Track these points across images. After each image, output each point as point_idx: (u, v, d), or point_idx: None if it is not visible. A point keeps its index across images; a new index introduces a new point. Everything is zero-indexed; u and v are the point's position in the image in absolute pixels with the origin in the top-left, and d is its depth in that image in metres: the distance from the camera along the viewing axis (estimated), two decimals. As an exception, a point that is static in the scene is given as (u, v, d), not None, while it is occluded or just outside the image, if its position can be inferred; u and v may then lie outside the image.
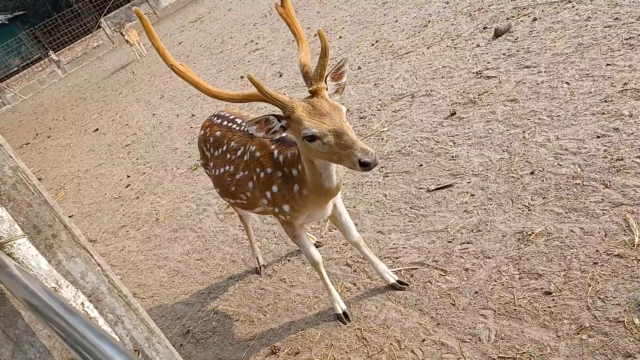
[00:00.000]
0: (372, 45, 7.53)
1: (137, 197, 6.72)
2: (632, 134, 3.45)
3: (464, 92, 5.05)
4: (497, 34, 5.68)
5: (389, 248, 3.58)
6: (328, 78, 2.39)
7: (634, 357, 2.26)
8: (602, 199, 3.11)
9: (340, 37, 8.54)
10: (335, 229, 4.04)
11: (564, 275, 2.79)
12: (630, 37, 4.45)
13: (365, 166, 2.08)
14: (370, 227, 3.87)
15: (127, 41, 18.94)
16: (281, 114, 2.35)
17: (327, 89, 2.37)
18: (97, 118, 12.54)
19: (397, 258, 3.47)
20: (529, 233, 3.15)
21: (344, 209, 3.13)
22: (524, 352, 2.51)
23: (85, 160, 9.52)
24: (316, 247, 3.89)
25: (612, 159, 3.35)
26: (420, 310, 3.02)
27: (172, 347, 1.62)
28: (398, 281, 3.23)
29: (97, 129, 11.42)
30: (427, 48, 6.45)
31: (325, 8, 10.60)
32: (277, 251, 4.17)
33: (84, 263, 1.51)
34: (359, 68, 6.87)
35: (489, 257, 3.14)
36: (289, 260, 4.00)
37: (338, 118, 2.23)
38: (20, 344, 1.33)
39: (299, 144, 2.41)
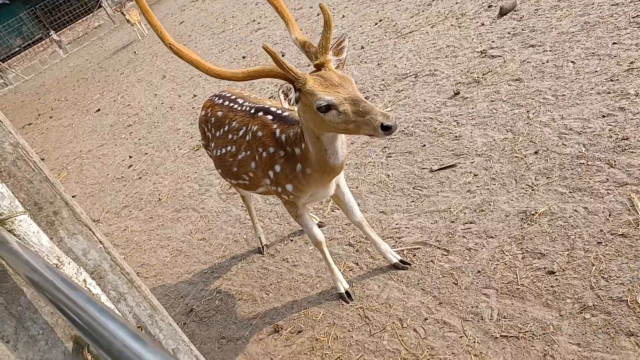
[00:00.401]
0: (376, 24, 7.45)
1: (140, 178, 6.72)
2: (638, 113, 3.41)
3: (468, 71, 5.00)
4: (502, 12, 5.60)
5: (392, 228, 3.58)
6: (330, 53, 2.36)
7: (637, 336, 2.26)
8: (607, 179, 3.09)
9: (343, 17, 8.45)
10: (337, 209, 4.03)
11: (568, 254, 2.78)
12: (637, 15, 4.38)
13: (387, 130, 2.07)
14: (373, 207, 3.86)
15: (128, 21, 18.79)
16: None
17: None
18: (99, 98, 12.50)
19: (399, 238, 3.47)
20: (532, 213, 3.13)
21: (347, 189, 3.12)
22: (527, 331, 2.52)
23: (87, 141, 9.50)
24: (319, 227, 3.89)
25: (617, 138, 3.32)
26: (422, 289, 3.03)
27: (175, 324, 1.63)
28: (400, 261, 3.23)
29: (99, 110, 11.38)
30: (431, 27, 6.38)
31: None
32: (280, 231, 4.17)
33: (86, 240, 1.50)
34: (362, 48, 6.80)
35: (492, 237, 3.13)
36: (291, 240, 4.00)
37: (350, 87, 2.21)
38: (22, 320, 1.33)
39: (307, 118, 2.36)
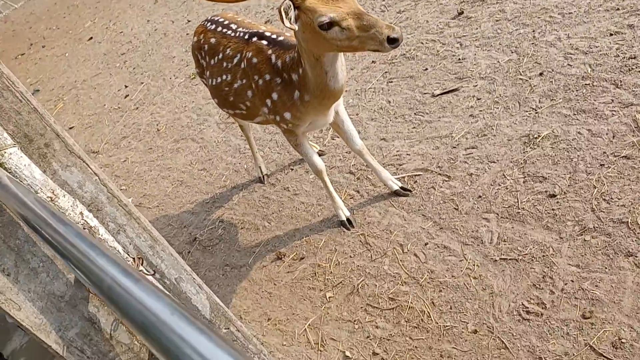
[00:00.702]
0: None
1: (137, 108, 6.62)
2: (648, 30, 3.29)
3: (472, -11, 4.78)
4: None
5: (393, 155, 3.55)
6: None
7: (635, 256, 2.28)
8: (612, 100, 3.02)
9: None
10: (338, 136, 3.98)
11: (570, 177, 2.76)
12: None
13: (394, 42, 2.02)
14: (374, 135, 3.81)
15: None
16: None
17: None
18: (90, 26, 12.11)
19: (400, 165, 3.45)
20: (535, 136, 3.09)
21: (347, 117, 3.06)
22: (526, 254, 2.55)
23: (81, 70, 9.30)
24: (319, 155, 3.86)
25: (624, 57, 3.21)
26: (423, 215, 3.04)
27: (176, 254, 1.63)
28: (401, 187, 3.22)
29: (91, 38, 11.05)
30: (434, -58, 6.04)
31: None
32: (280, 160, 4.15)
33: (81, 172, 1.48)
34: (361, -34, 6.49)
35: (494, 162, 3.10)
36: (292, 169, 3.99)
37: (352, 2, 2.13)
38: (22, 253, 1.32)
39: (307, 38, 2.25)
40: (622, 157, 2.70)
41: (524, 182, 2.89)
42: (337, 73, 2.42)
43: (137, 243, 1.52)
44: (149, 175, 5.04)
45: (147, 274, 1.26)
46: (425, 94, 3.92)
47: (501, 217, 2.78)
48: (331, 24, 2.09)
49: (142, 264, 1.36)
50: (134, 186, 4.99)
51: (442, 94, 3.82)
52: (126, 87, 7.43)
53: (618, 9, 3.58)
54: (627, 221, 2.42)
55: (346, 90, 4.39)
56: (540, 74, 3.47)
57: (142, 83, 7.24)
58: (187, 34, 7.98)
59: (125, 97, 7.11)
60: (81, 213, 1.32)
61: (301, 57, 2.45)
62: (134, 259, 1.37)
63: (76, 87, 8.64)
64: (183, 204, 4.36)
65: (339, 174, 3.65)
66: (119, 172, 5.37)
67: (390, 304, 2.73)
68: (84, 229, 1.29)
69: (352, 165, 3.67)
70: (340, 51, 2.29)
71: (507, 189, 2.91)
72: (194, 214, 4.16)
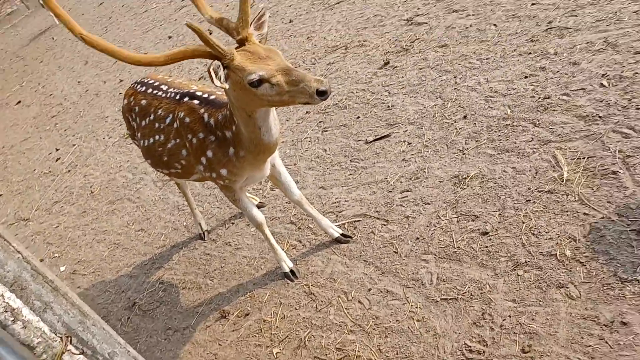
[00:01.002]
0: (303, -4, 7.33)
1: (69, 171, 6.42)
2: (558, 71, 3.54)
3: (396, 40, 5.02)
4: (426, -22, 5.62)
5: (332, 202, 3.59)
6: (251, 28, 2.32)
7: (566, 287, 2.38)
8: (532, 138, 3.20)
9: (269, -10, 8.26)
10: (277, 188, 4.00)
11: (499, 214, 2.88)
12: (552, -24, 4.50)
13: (323, 94, 2.09)
14: (312, 183, 3.85)
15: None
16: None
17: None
18: (18, 90, 11.78)
19: (340, 212, 3.49)
20: (464, 176, 3.22)
21: (283, 168, 3.09)
22: (465, 292, 2.61)
23: (10, 135, 8.97)
24: (259, 207, 3.86)
25: (539, 97, 3.43)
26: (365, 261, 3.07)
27: (108, 327, 1.57)
28: (342, 234, 3.26)
29: (19, 102, 10.73)
30: (358, -4, 6.34)
31: (251, -41, 10.18)
32: (220, 215, 4.10)
33: (2, 251, 1.41)
34: (291, 21, 6.70)
35: (428, 203, 3.19)
36: (232, 224, 3.95)
37: (279, 58, 2.19)
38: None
39: (238, 96, 2.29)
40: (546, 192, 2.85)
41: (457, 221, 2.99)
42: (270, 127, 2.46)
43: (65, 320, 1.45)
44: (83, 240, 4.85)
45: (75, 354, 1.21)
46: (359, 141, 4.03)
47: (439, 257, 2.84)
48: (261, 81, 2.14)
49: (70, 342, 1.30)
50: (67, 252, 4.79)
51: (374, 140, 3.94)
52: (57, 150, 7.22)
53: (530, 53, 3.85)
54: (556, 254, 2.53)
55: (283, 141, 4.45)
56: (464, 117, 3.64)
57: (74, 145, 7.06)
58: (120, 93, 7.90)
59: (57, 161, 6.89)
60: (2, 295, 1.26)
61: (233, 115, 2.48)
62: (61, 337, 1.31)
63: (4, 152, 8.31)
64: (120, 267, 4.21)
65: (280, 225, 3.65)
66: (52, 238, 5.15)
67: (337, 354, 2.71)
68: (6, 311, 1.23)
69: (293, 215, 3.68)
70: (271, 106, 2.33)
71: (442, 229, 2.99)
72: (132, 278, 4.02)
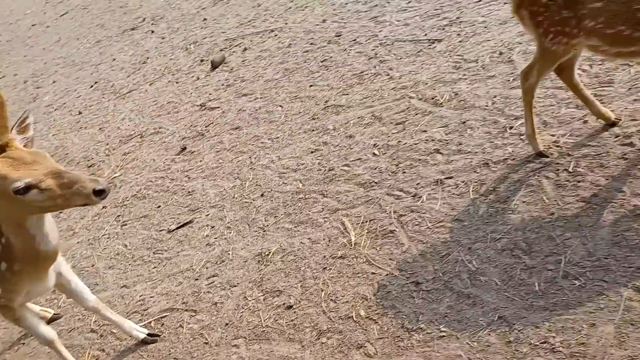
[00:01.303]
0: (92, 86, 7.09)
1: None
2: (337, 145, 3.90)
3: (191, 125, 5.11)
4: (214, 65, 5.88)
5: (136, 301, 3.41)
6: (13, 132, 2.19)
7: (365, 347, 2.54)
8: (322, 208, 3.44)
9: (54, 82, 7.83)
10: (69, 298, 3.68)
11: (301, 286, 3.00)
12: (324, 60, 5.03)
13: (101, 194, 2.02)
14: (113, 284, 3.62)
15: None
16: None
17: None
18: None
19: (145, 310, 3.32)
20: (266, 253, 3.31)
21: (72, 275, 2.85)
22: (276, 371, 2.63)
23: None
24: (55, 319, 3.50)
25: (325, 170, 3.73)
26: (175, 358, 2.93)
27: None
28: (148, 334, 3.08)
29: None
30: (150, 85, 6.35)
31: (32, 51, 9.62)
32: (7, 337, 3.61)
33: None
34: (80, 113, 6.43)
35: (235, 285, 3.21)
36: (23, 344, 3.50)
37: (46, 162, 2.08)
38: None
39: (3, 207, 2.11)
40: (339, 257, 3.06)
41: (264, 299, 3.04)
42: (46, 234, 2.29)
43: None
44: None
45: None
46: (161, 231, 3.93)
47: (249, 340, 2.84)
48: (28, 188, 2.01)
49: None
50: None
51: (177, 228, 3.88)
52: None
53: (313, 130, 4.19)
54: (352, 315, 2.70)
55: (78, 242, 4.15)
56: (262, 195, 3.79)
57: None
58: None
59: None
60: None
61: (0, 227, 2.26)
62: None
63: None
64: None
65: (80, 336, 3.34)
66: None
67: None
68: None
69: (94, 322, 3.39)
70: (44, 212, 2.20)
71: (250, 309, 3.01)
72: None
